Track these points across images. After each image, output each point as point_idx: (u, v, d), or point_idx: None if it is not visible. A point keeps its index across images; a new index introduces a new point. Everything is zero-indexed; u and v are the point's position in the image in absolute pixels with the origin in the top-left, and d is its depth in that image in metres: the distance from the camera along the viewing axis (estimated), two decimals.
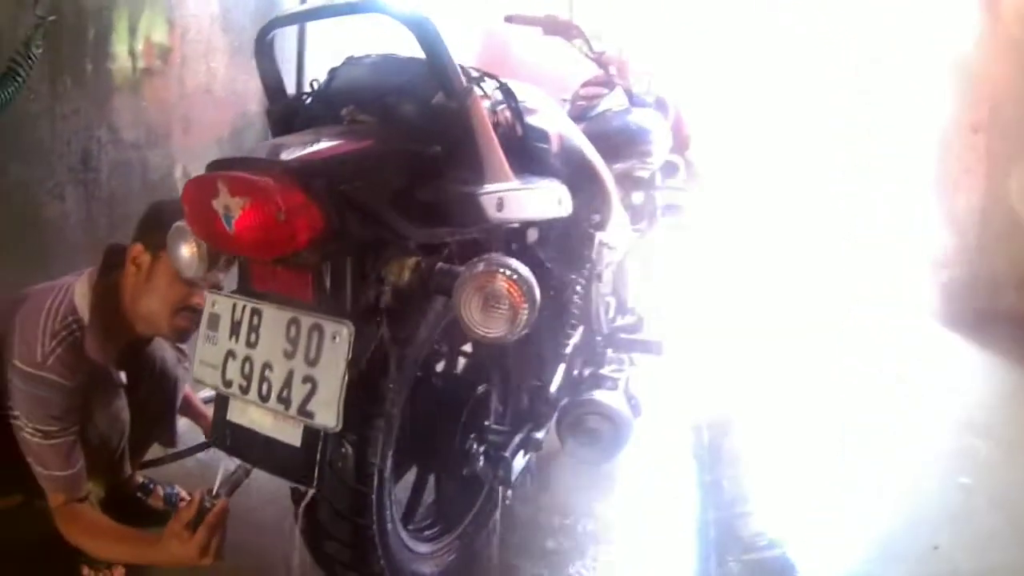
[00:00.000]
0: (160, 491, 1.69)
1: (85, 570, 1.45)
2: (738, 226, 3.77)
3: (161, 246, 1.25)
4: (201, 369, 1.16)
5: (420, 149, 1.13)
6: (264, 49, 1.23)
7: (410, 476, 1.50)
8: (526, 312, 1.01)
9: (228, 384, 1.13)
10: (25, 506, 1.45)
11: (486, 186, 1.14)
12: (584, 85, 1.97)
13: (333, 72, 1.25)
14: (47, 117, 1.54)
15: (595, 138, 1.77)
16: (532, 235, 1.38)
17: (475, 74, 1.25)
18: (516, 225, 1.32)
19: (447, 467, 1.47)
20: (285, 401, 1.08)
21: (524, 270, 1.03)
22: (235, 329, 1.13)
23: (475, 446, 1.43)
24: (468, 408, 1.44)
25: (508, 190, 1.19)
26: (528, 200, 1.28)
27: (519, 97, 1.33)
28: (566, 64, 2.15)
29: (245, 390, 1.11)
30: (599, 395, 1.51)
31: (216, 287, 1.25)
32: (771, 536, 1.61)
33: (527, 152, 1.35)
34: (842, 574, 1.55)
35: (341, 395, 1.04)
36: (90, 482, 1.36)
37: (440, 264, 1.08)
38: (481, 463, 1.42)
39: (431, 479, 1.55)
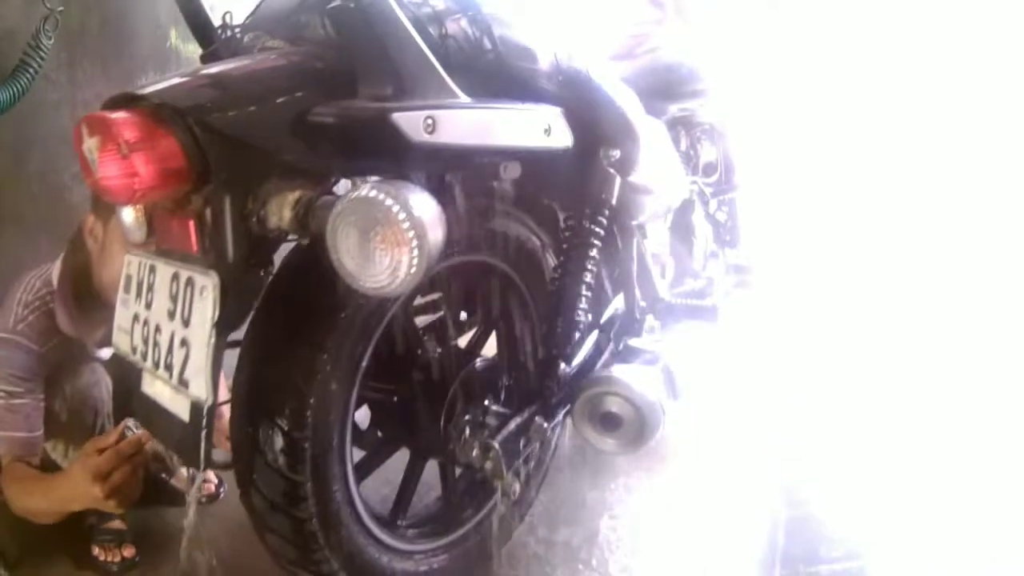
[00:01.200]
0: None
1: (96, 549, 1.45)
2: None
3: (110, 214, 1.20)
4: (118, 335, 1.07)
5: (323, 66, 0.94)
6: None
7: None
8: (407, 257, 0.78)
9: (134, 350, 1.02)
10: None
11: (405, 102, 0.93)
12: (635, 23, 1.67)
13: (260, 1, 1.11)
14: (67, 105, 1.59)
15: (643, 76, 1.50)
16: (512, 170, 1.14)
17: None
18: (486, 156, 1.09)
19: (433, 453, 1.27)
20: (169, 368, 0.95)
21: (412, 196, 0.80)
22: (139, 290, 1.02)
23: (465, 429, 1.22)
24: (459, 383, 1.23)
25: (444, 107, 0.96)
26: (485, 123, 1.03)
27: (490, 7, 1.10)
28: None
29: (144, 356, 1.00)
30: (621, 373, 1.21)
31: None
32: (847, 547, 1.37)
33: (506, 73, 1.11)
34: None
35: (208, 361, 0.88)
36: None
37: (325, 197, 0.88)
38: (472, 450, 1.20)
39: (438, 470, 1.36)
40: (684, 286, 1.61)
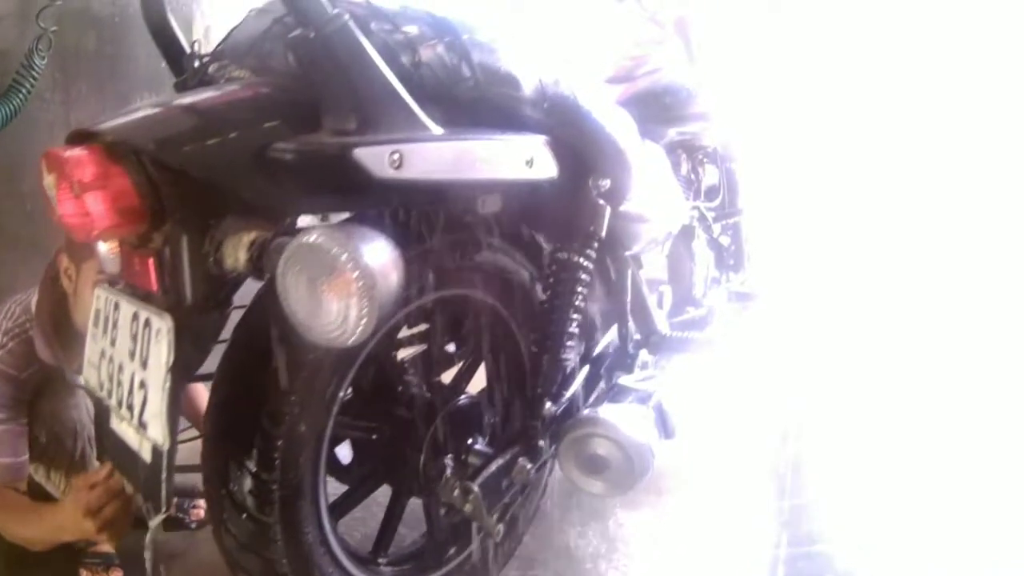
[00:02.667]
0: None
1: (84, 573, 1.44)
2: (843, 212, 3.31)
3: (83, 256, 1.21)
4: (88, 369, 1.05)
5: (286, 98, 0.91)
6: (154, 10, 1.09)
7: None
8: (356, 307, 0.74)
9: (101, 386, 1.00)
10: None
11: (369, 136, 0.89)
12: (634, 44, 1.62)
13: (232, 29, 1.08)
14: (61, 125, 1.58)
15: (642, 99, 1.45)
16: (491, 203, 1.09)
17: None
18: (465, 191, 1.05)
19: (414, 491, 1.24)
20: (131, 409, 0.93)
21: (363, 243, 0.76)
22: (105, 325, 1.00)
23: (446, 469, 1.18)
24: (441, 420, 1.19)
25: (412, 140, 0.92)
26: (458, 156, 0.98)
27: (468, 31, 1.06)
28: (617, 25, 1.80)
29: (110, 394, 0.98)
30: (609, 413, 1.16)
31: None
32: None
33: (486, 101, 1.07)
34: None
35: (164, 406, 0.86)
36: (58, 484, 1.37)
37: (279, 239, 0.84)
38: (453, 491, 1.16)
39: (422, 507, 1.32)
40: (684, 315, 1.56)
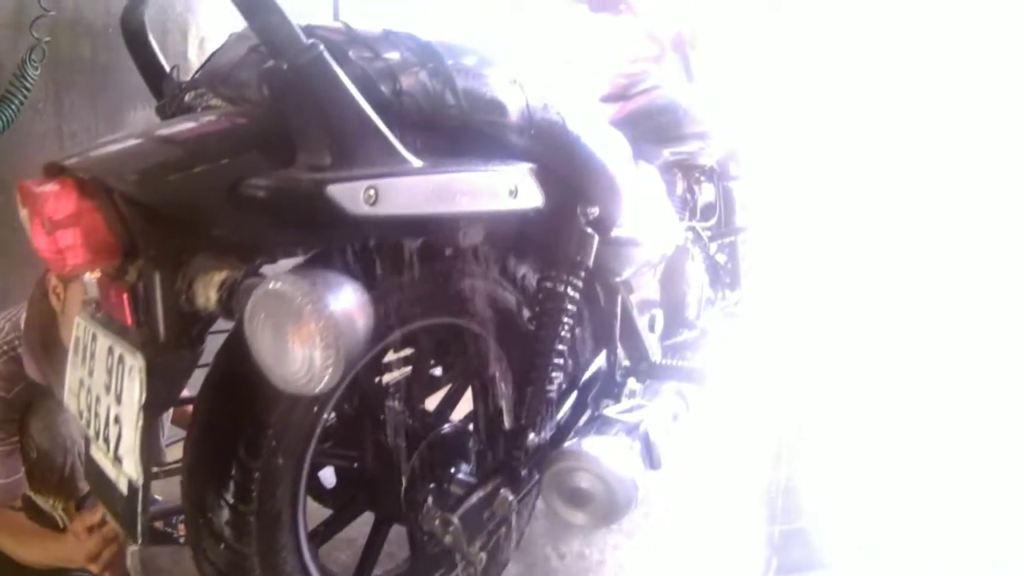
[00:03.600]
0: None
1: None
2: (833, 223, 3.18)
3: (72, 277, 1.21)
4: (68, 395, 1.05)
5: (261, 129, 0.90)
6: (134, 33, 1.08)
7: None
8: (321, 356, 0.73)
9: (80, 415, 1.00)
10: None
11: (344, 171, 0.87)
12: (631, 61, 1.59)
13: (212, 53, 1.07)
14: (54, 136, 1.58)
15: (637, 118, 1.42)
16: (473, 235, 1.08)
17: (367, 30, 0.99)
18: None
19: (397, 518, 1.23)
20: (107, 442, 0.92)
21: (329, 290, 0.75)
22: (83, 355, 1.00)
23: (427, 498, 1.17)
24: (423, 448, 1.18)
25: (389, 175, 0.91)
26: (438, 189, 0.97)
27: (453, 56, 1.04)
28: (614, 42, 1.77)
29: (88, 424, 0.98)
30: (592, 446, 1.15)
31: None
32: None
33: (471, 129, 1.05)
34: None
35: (137, 443, 0.85)
36: (48, 498, 1.38)
37: (248, 280, 0.83)
38: (434, 521, 1.15)
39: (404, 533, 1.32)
40: (677, 337, 1.53)
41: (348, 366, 0.76)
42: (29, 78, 1.45)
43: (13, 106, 1.44)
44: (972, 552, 1.46)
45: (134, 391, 0.85)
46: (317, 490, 1.24)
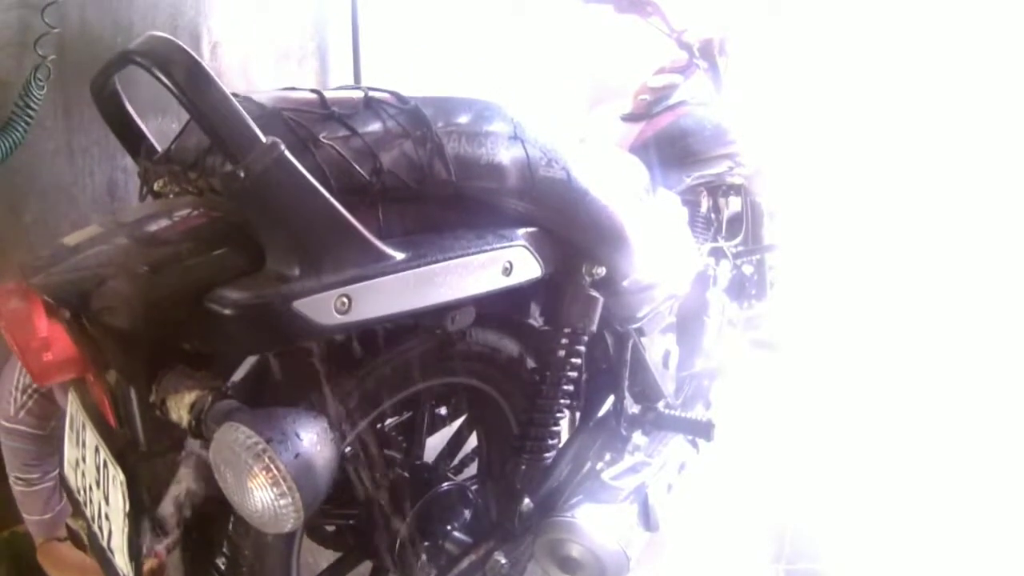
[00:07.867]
0: None
1: None
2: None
3: None
4: (67, 467, 1.08)
5: (229, 226, 0.86)
6: (107, 100, 1.03)
7: None
8: (280, 504, 0.72)
9: (78, 492, 1.03)
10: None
11: (312, 280, 0.82)
12: (656, 73, 1.45)
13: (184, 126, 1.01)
14: (64, 153, 1.56)
15: (660, 141, 1.33)
16: (463, 318, 1.03)
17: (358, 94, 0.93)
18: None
19: (394, 571, 1.25)
20: (101, 531, 0.95)
21: (288, 437, 0.73)
22: (77, 437, 1.01)
23: (423, 555, 1.18)
24: (421, 504, 1.18)
25: (362, 279, 0.86)
26: (419, 283, 0.91)
27: (444, 117, 0.97)
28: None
29: (85, 504, 1.01)
30: (585, 517, 1.12)
31: None
32: None
33: (465, 198, 0.99)
34: None
35: (125, 546, 0.87)
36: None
37: (218, 404, 0.81)
38: None
39: None
40: (692, 368, 1.47)
41: (310, 508, 0.75)
42: (34, 99, 1.43)
43: (16, 133, 1.42)
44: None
45: (118, 500, 0.87)
46: (317, 532, 1.26)
